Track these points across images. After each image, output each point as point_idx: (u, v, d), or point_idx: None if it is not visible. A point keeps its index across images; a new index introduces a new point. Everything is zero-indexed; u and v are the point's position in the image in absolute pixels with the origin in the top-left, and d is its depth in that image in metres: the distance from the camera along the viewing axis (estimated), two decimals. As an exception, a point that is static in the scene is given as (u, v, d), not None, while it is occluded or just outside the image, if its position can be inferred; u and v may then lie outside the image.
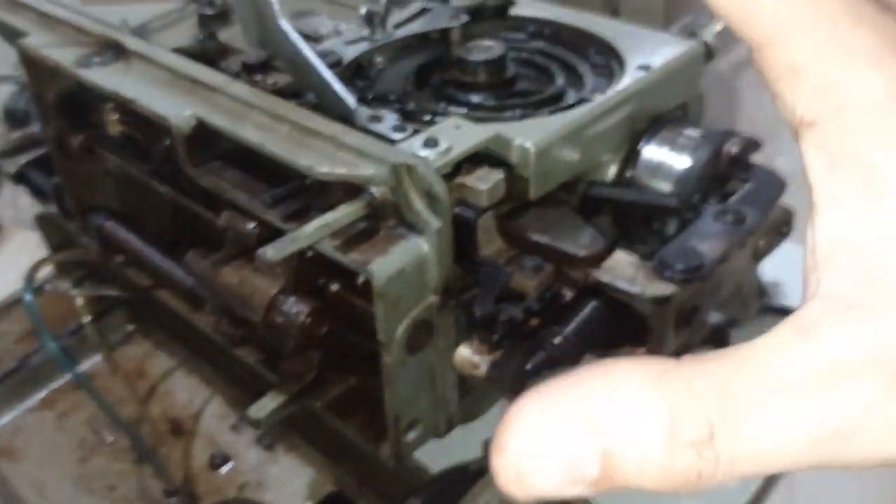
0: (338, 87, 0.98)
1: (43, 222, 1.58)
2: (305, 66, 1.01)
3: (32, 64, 1.24)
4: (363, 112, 0.99)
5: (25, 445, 1.38)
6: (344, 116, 0.99)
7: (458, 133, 0.94)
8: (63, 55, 1.18)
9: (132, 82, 1.10)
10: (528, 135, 0.97)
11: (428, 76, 1.17)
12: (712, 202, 1.09)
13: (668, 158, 1.07)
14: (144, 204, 1.37)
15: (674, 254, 0.92)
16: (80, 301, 1.20)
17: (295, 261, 0.95)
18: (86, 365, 1.49)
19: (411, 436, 1.02)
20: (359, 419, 1.10)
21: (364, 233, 0.91)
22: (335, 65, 1.05)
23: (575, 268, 0.94)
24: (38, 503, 1.28)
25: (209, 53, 1.42)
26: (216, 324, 1.08)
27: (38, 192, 1.54)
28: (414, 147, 0.90)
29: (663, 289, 0.90)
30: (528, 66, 1.20)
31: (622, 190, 1.05)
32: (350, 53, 1.08)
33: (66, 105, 1.29)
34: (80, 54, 1.18)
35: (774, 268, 1.20)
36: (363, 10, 1.09)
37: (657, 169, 1.08)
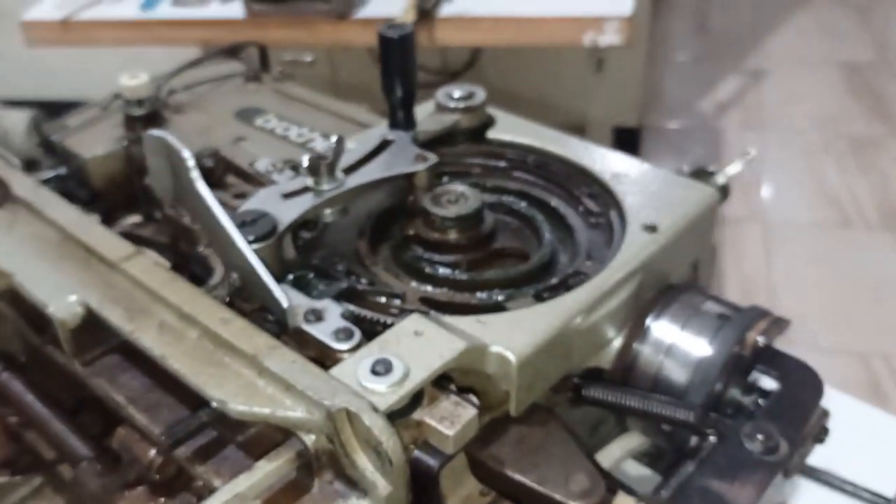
0: (266, 278, 0.77)
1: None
2: (226, 242, 0.79)
3: None
4: (298, 307, 0.77)
5: None
6: (272, 310, 0.78)
7: (418, 346, 0.73)
8: (-62, 194, 0.96)
9: (13, 244, 0.88)
10: (509, 337, 0.76)
11: (386, 228, 0.96)
12: (733, 393, 0.89)
13: (682, 341, 0.87)
14: (47, 359, 1.15)
15: (693, 507, 0.72)
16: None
17: (206, 511, 0.73)
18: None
19: None
20: None
21: (292, 489, 0.69)
22: (267, 235, 0.83)
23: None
24: None
25: (135, 161, 1.21)
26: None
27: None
28: (360, 374, 0.69)
29: (680, 563, 0.69)
30: (509, 213, 0.99)
31: (624, 395, 0.84)
32: (289, 214, 0.86)
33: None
34: (-40, 194, 0.96)
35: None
36: (304, 161, 0.88)
37: (669, 350, 0.88)
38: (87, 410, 0.99)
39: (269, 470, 0.66)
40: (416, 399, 0.71)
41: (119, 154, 1.24)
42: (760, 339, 0.86)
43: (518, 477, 0.75)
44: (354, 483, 0.68)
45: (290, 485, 0.69)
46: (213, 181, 1.09)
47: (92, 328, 0.80)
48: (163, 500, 0.77)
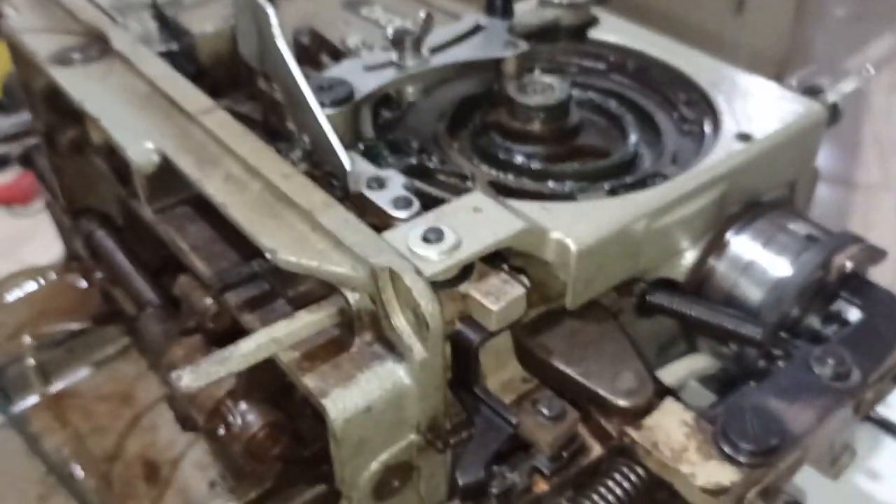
0: (332, 139, 0.76)
1: (52, 210, 1.41)
2: (299, 102, 0.79)
3: (14, 49, 1.05)
4: (362, 172, 0.77)
5: (-12, 468, 1.24)
6: (336, 173, 0.78)
7: (475, 220, 0.71)
8: (43, 44, 0.99)
9: (104, 92, 0.90)
10: (572, 226, 0.73)
11: (468, 115, 0.93)
12: (811, 321, 0.84)
13: (762, 259, 0.83)
14: (136, 217, 1.19)
15: (742, 422, 0.68)
16: (28, 341, 1.02)
17: (249, 360, 0.74)
18: (71, 380, 1.33)
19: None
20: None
21: (333, 344, 0.69)
22: (344, 100, 0.82)
23: (609, 418, 0.71)
24: (-18, 546, 1.13)
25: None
26: (170, 399, 0.88)
27: (42, 179, 1.37)
28: (410, 239, 0.68)
29: (720, 474, 0.66)
30: (598, 112, 0.95)
31: (691, 304, 0.80)
32: (367, 84, 0.85)
33: (55, 97, 1.11)
34: (63, 45, 0.99)
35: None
36: (390, 31, 0.86)
37: (747, 268, 0.83)
38: (168, 272, 1.02)
39: (309, 320, 0.66)
40: (464, 272, 0.69)
41: (227, 33, 1.24)
42: (848, 264, 0.80)
43: (563, 368, 0.73)
44: (393, 346, 0.67)
45: (331, 341, 0.69)
46: (308, 59, 1.08)
47: (166, 176, 0.81)
48: (215, 349, 0.78)
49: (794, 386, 0.71)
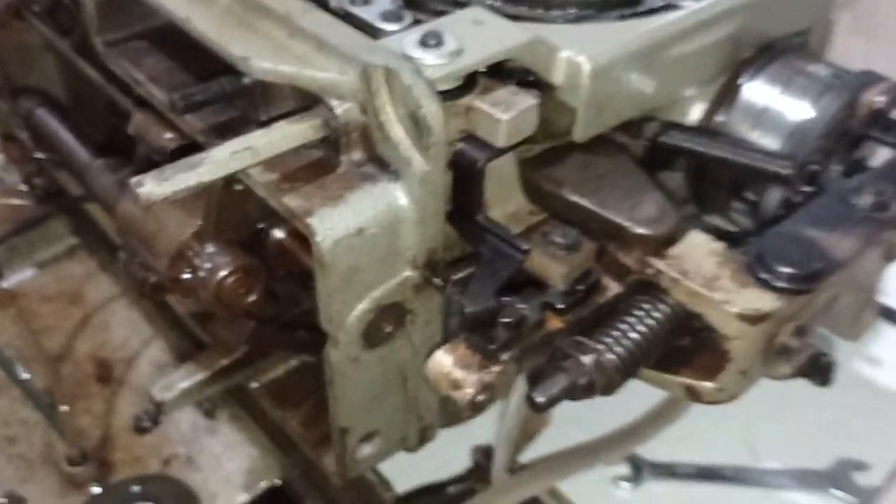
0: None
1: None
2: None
3: None
4: (346, -10, 0.67)
5: (-78, 370, 1.13)
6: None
7: (477, 31, 0.62)
8: None
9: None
10: (583, 44, 0.65)
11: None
12: (835, 169, 0.77)
13: (779, 104, 0.75)
14: (85, 92, 1.08)
15: (780, 248, 0.61)
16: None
17: (217, 196, 0.65)
18: (17, 278, 1.22)
19: (366, 450, 0.73)
20: (304, 412, 0.82)
21: (315, 165, 0.60)
22: None
23: (629, 250, 0.63)
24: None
25: None
26: (125, 263, 0.78)
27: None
28: (405, 44, 0.59)
29: (758, 300, 0.59)
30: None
31: (711, 141, 0.73)
32: None
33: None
34: None
35: None
36: None
37: (761, 116, 0.76)
38: (115, 150, 0.92)
39: (289, 131, 0.57)
40: (467, 84, 0.60)
41: None
42: (878, 100, 0.73)
43: (576, 199, 0.65)
44: (386, 165, 0.59)
45: (313, 163, 0.60)
46: None
47: (118, 5, 0.71)
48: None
49: (832, 216, 0.64)
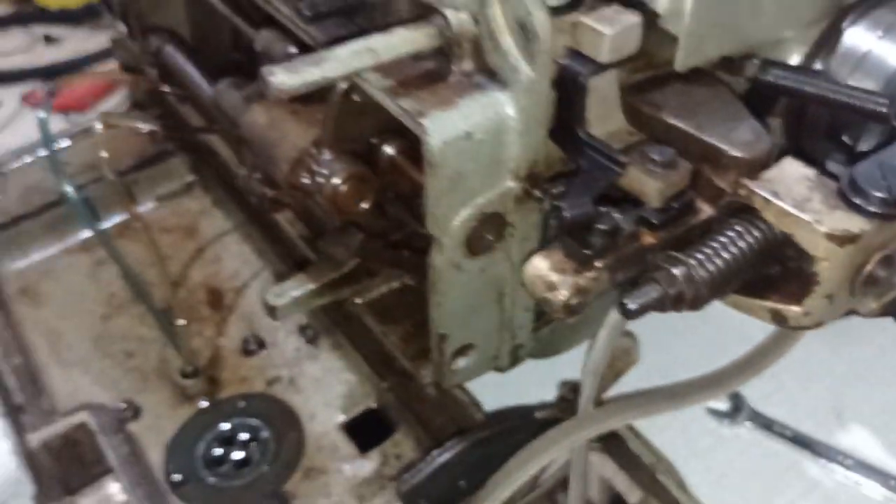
0: None
1: (116, 45, 1.38)
2: None
3: None
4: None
5: (52, 290, 1.22)
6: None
7: (586, -48, 0.65)
8: None
9: None
10: (686, -26, 0.67)
11: None
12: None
13: (881, 49, 0.76)
14: (210, 29, 1.15)
15: (872, 173, 0.62)
16: (98, 129, 0.99)
17: (337, 105, 0.70)
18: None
19: (461, 363, 0.77)
20: (404, 329, 0.87)
21: (429, 75, 0.65)
22: None
23: (724, 172, 0.66)
24: (47, 357, 1.12)
25: None
26: (245, 179, 0.85)
27: (109, 7, 1.34)
28: (517, -38, 0.62)
29: (848, 221, 0.60)
30: None
31: (810, 80, 0.74)
32: None
33: None
34: None
35: None
36: None
37: (861, 61, 0.76)
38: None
39: (407, 36, 0.61)
40: (573, 3, 0.63)
41: None
42: (985, 45, 0.73)
43: (675, 122, 0.67)
44: (494, 75, 0.62)
45: (426, 72, 0.65)
46: None
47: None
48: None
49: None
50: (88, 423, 0.95)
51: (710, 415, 1.00)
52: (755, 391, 0.99)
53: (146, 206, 1.32)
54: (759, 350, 0.96)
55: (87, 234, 1.29)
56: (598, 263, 0.62)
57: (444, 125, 0.60)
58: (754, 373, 0.96)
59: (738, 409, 0.99)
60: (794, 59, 0.78)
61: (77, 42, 2.58)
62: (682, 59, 0.69)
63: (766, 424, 0.98)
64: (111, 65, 2.37)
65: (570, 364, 0.85)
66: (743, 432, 0.99)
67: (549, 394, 0.93)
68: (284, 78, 0.57)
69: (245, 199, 1.24)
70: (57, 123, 2.25)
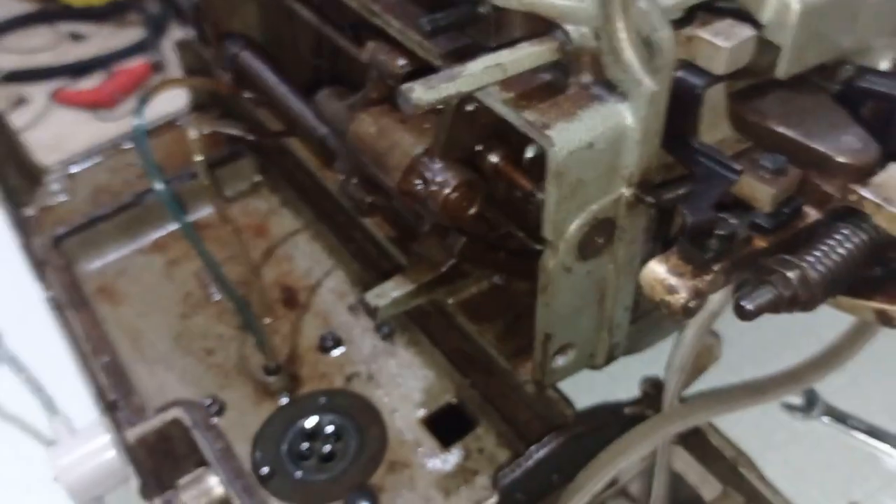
0: None
1: (183, 49, 1.40)
2: None
3: None
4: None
5: (129, 289, 1.25)
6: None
7: (698, -33, 0.67)
8: None
9: None
10: (792, -15, 0.69)
11: None
12: None
13: (969, 53, 0.78)
14: (287, 35, 1.17)
15: (984, 180, 0.64)
16: (193, 134, 1.02)
17: (451, 115, 0.72)
18: (203, 212, 1.33)
19: (560, 361, 0.80)
20: (497, 328, 0.89)
21: (547, 87, 0.67)
22: None
23: (831, 178, 0.68)
24: (130, 354, 1.15)
25: None
26: (343, 184, 0.87)
27: (179, 13, 1.37)
28: (634, -22, 0.64)
29: (961, 227, 0.63)
30: None
31: (905, 85, 0.76)
32: None
33: None
34: None
35: None
36: None
37: (949, 66, 0.78)
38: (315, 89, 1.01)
39: (532, 51, 0.63)
40: (688, 17, 0.66)
41: None
42: None
43: (782, 129, 0.70)
44: (613, 87, 0.65)
45: (545, 84, 0.67)
46: None
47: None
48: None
49: None
50: (182, 418, 0.98)
51: (783, 409, 1.02)
52: (827, 385, 1.01)
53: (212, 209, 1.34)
54: (836, 345, 0.98)
55: (158, 234, 1.32)
56: (714, 267, 0.65)
57: (569, 136, 0.62)
58: (833, 368, 0.98)
59: (811, 404, 1.02)
60: (883, 65, 0.80)
61: (102, 39, 2.61)
62: (785, 68, 0.72)
63: (841, 418, 1.00)
64: (138, 61, 2.42)
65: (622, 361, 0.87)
66: (817, 426, 1.01)
67: (600, 389, 0.96)
68: (422, 94, 0.59)
69: (314, 198, 1.27)
70: (85, 119, 2.30)
